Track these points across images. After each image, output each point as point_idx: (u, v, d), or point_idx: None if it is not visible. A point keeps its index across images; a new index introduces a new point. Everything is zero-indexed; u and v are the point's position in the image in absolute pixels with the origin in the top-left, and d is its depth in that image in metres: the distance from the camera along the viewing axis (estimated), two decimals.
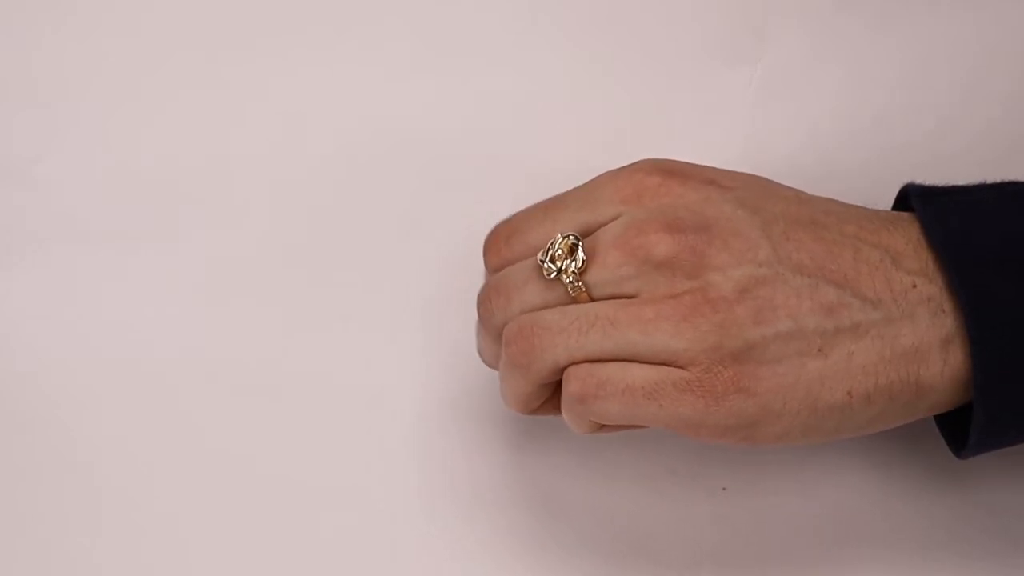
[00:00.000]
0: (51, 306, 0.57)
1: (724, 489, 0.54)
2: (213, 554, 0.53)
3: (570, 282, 0.46)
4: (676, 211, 0.45)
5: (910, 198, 0.47)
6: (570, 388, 0.46)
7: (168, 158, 0.58)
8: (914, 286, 0.45)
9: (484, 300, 0.49)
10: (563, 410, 0.47)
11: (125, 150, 0.58)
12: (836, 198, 0.48)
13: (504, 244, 0.49)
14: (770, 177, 0.49)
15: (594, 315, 0.45)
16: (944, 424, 0.49)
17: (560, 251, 0.46)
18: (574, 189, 0.49)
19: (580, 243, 0.46)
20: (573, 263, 0.46)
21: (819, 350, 0.44)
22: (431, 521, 0.54)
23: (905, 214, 0.47)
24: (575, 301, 0.46)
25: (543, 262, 0.46)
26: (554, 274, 0.46)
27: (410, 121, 0.59)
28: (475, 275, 0.55)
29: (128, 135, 0.58)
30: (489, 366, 0.51)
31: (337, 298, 0.57)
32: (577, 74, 0.59)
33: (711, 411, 0.44)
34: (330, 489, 0.54)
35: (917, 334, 0.45)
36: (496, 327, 0.48)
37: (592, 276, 0.46)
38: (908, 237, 0.46)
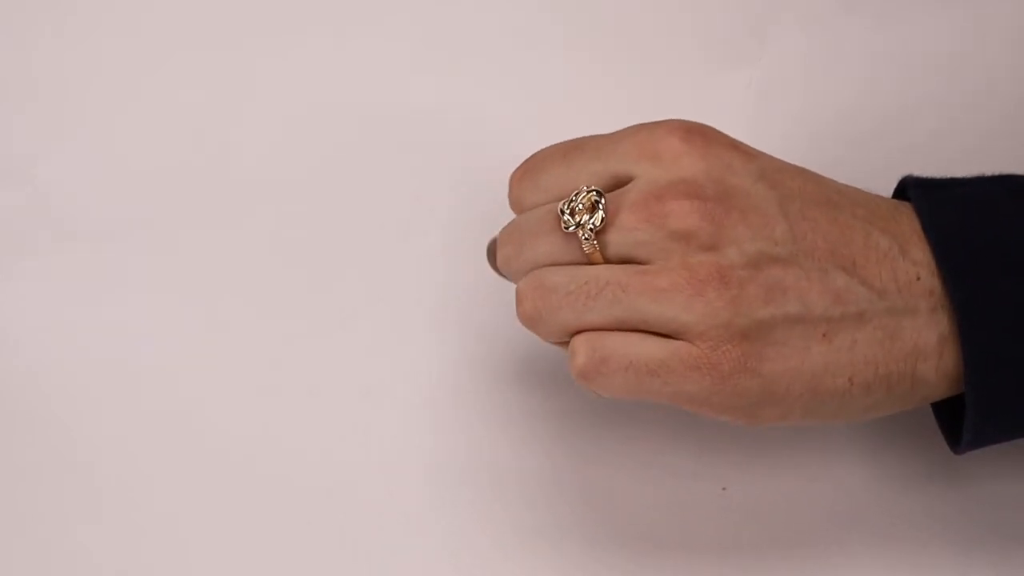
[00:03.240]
0: (51, 306, 0.57)
1: (724, 489, 0.54)
2: (213, 554, 0.53)
3: (586, 239, 0.45)
4: (696, 177, 0.44)
5: (908, 190, 0.47)
6: (574, 362, 0.45)
7: (168, 158, 0.58)
8: (918, 278, 0.45)
9: (501, 243, 0.49)
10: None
11: (125, 150, 0.58)
12: None
13: (518, 183, 0.48)
14: None
15: (604, 280, 0.45)
16: (943, 420, 0.49)
17: (581, 205, 0.45)
18: (596, 136, 0.47)
19: (602, 200, 0.45)
20: (592, 220, 0.45)
21: (824, 335, 0.45)
22: (431, 521, 0.54)
23: (906, 206, 0.47)
24: (588, 259, 0.46)
25: (563, 213, 0.46)
26: (572, 228, 0.45)
27: (410, 122, 0.59)
28: (476, 275, 0.56)
29: (128, 135, 0.58)
30: None
31: (337, 298, 0.57)
32: (577, 75, 0.59)
33: (716, 389, 0.44)
34: (329, 489, 0.54)
35: (916, 329, 0.45)
36: (512, 273, 0.48)
37: (608, 236, 0.45)
38: (912, 227, 0.46)
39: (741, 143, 0.46)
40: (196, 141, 0.58)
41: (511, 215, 0.55)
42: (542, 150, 0.49)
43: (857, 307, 0.45)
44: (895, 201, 0.47)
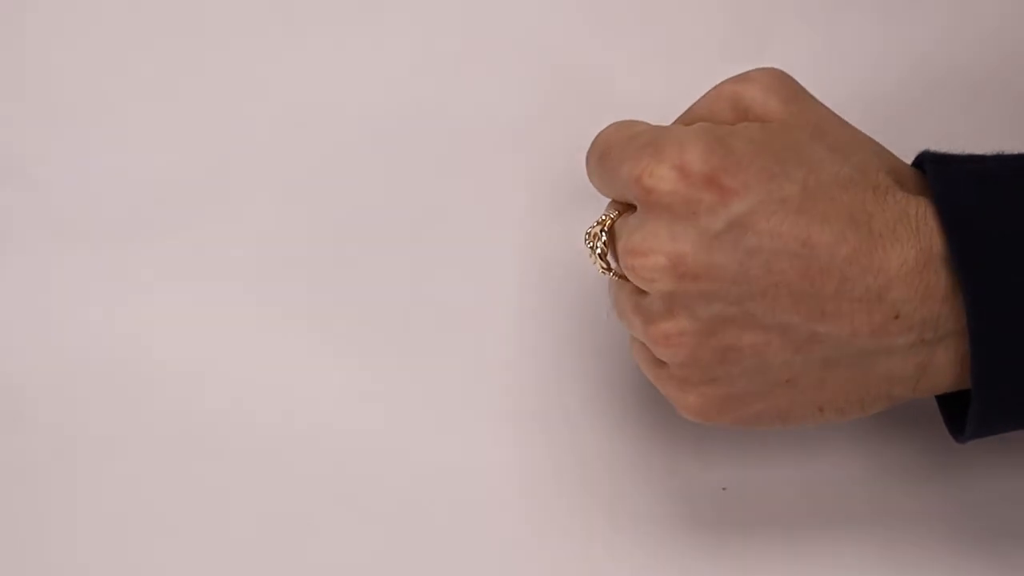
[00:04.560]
0: (49, 306, 0.57)
1: (724, 489, 0.54)
2: (213, 553, 0.53)
3: (601, 270, 0.48)
4: (658, 233, 0.45)
5: (924, 166, 0.46)
6: None
7: (167, 158, 0.58)
8: (896, 317, 0.44)
9: None
10: None
11: (125, 150, 0.58)
12: None
13: (588, 177, 0.50)
14: None
15: (620, 309, 0.48)
16: (945, 409, 0.49)
17: (591, 241, 0.48)
18: (620, 141, 0.48)
19: (603, 236, 0.48)
20: (599, 252, 0.48)
21: (787, 380, 0.45)
22: (435, 519, 0.54)
23: (917, 203, 0.45)
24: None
25: (586, 243, 0.49)
26: (592, 260, 0.48)
27: (412, 120, 0.59)
28: (476, 274, 0.55)
29: (128, 135, 0.58)
30: None
31: (338, 298, 0.57)
32: (578, 73, 0.59)
33: (690, 418, 0.47)
34: (325, 489, 0.54)
35: (891, 364, 0.45)
36: None
37: (618, 267, 0.48)
38: (902, 257, 0.44)
39: (724, 171, 0.45)
40: (196, 141, 0.58)
41: (513, 215, 0.55)
42: (591, 145, 0.50)
43: (823, 353, 0.45)
44: (903, 202, 0.45)
